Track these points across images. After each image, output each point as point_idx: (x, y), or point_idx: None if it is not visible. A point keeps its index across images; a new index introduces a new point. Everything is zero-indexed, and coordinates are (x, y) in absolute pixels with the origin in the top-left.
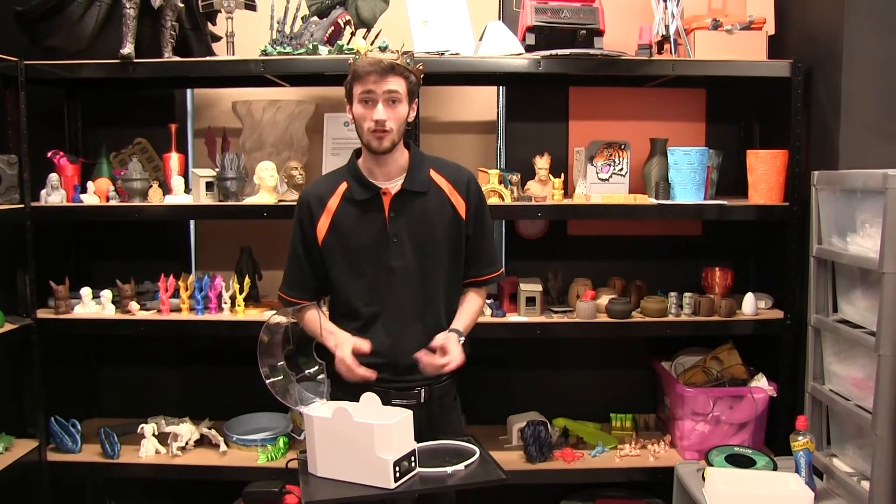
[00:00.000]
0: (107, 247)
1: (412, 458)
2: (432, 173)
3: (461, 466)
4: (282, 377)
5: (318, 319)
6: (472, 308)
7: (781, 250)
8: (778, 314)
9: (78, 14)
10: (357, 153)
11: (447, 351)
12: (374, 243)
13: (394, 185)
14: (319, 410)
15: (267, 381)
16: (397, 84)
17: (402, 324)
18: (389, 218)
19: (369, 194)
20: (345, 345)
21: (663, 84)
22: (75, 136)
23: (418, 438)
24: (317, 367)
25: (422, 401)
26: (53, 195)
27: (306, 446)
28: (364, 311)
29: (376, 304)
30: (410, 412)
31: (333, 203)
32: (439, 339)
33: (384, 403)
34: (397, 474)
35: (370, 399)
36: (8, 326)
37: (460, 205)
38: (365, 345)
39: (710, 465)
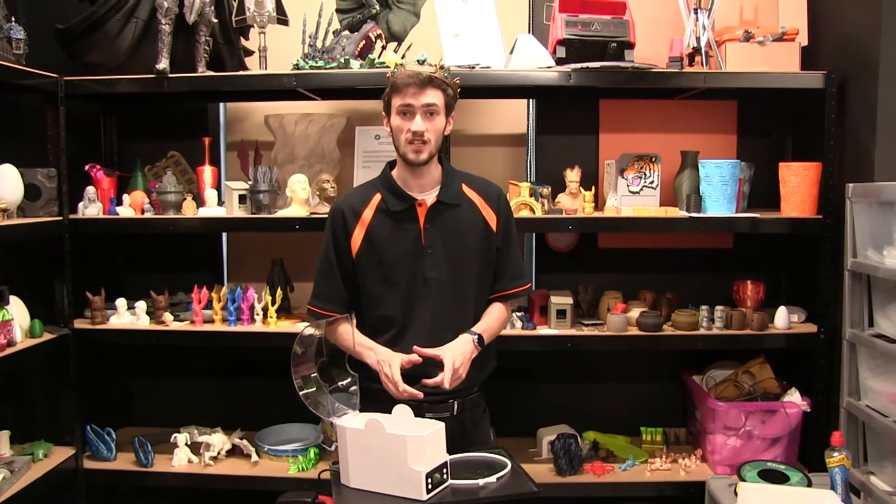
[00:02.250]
0: (142, 258)
1: (444, 470)
2: (464, 187)
3: (493, 479)
4: (315, 388)
5: (350, 333)
6: (496, 316)
7: (814, 263)
8: (811, 328)
9: (115, 30)
10: (391, 165)
11: (448, 365)
12: (409, 254)
13: (429, 197)
14: (352, 422)
15: (300, 393)
16: (435, 97)
17: (434, 335)
18: (424, 229)
19: (404, 205)
20: (392, 363)
21: (694, 96)
22: (111, 150)
23: (450, 450)
24: (349, 379)
25: (454, 413)
26: (90, 208)
27: (339, 457)
28: (397, 322)
29: (410, 314)
30: (443, 424)
31: (368, 214)
32: (442, 350)
33: (417, 416)
34: (429, 486)
35: (403, 411)
36: (46, 336)
37: (491, 218)
38: (414, 356)
39: (743, 480)
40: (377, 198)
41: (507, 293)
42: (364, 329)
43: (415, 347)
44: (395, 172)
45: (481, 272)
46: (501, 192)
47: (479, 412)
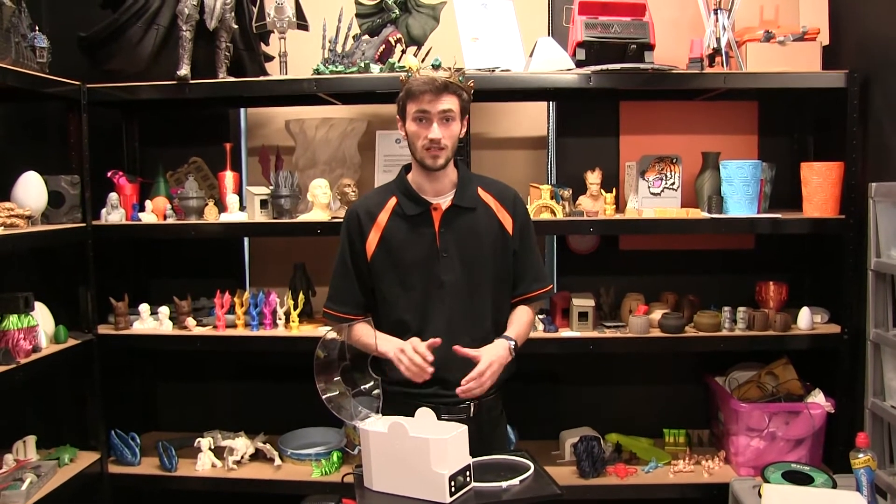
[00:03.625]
0: (164, 264)
1: (467, 473)
2: (479, 190)
3: (516, 481)
4: (337, 392)
5: (371, 335)
6: (525, 319)
7: (837, 264)
8: (835, 328)
9: (137, 37)
10: (406, 168)
11: (481, 365)
12: (425, 258)
13: (444, 201)
14: (375, 425)
15: (323, 397)
16: (451, 103)
17: (449, 339)
18: (439, 233)
19: (420, 209)
20: (416, 344)
21: (715, 97)
22: (133, 156)
23: (469, 452)
24: (372, 383)
25: (471, 415)
26: (113, 214)
27: (362, 460)
28: (413, 326)
29: (425, 318)
30: (465, 427)
31: (383, 218)
32: (481, 352)
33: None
34: (453, 489)
35: (425, 414)
36: (71, 342)
37: (507, 221)
38: (437, 340)
39: (767, 481)
40: (392, 201)
41: (529, 296)
42: (382, 328)
43: (455, 347)
44: (410, 176)
45: (497, 275)
46: (517, 195)
47: (497, 414)
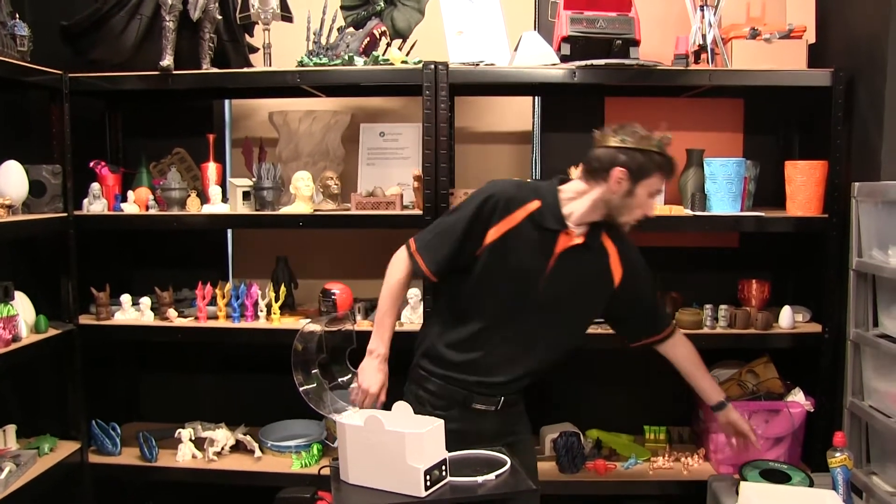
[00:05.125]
0: (148, 255)
1: (443, 467)
2: (604, 236)
3: (492, 476)
4: (315, 385)
5: (393, 322)
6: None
7: (820, 263)
8: (816, 328)
9: (120, 27)
10: (562, 180)
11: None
12: (531, 270)
13: (578, 231)
14: (352, 418)
15: (300, 389)
16: None
17: (512, 352)
18: (557, 255)
19: (555, 227)
20: (382, 381)
21: (700, 94)
22: (116, 147)
23: (493, 438)
24: (350, 376)
25: (498, 407)
26: (95, 204)
27: (339, 453)
28: (480, 325)
29: (499, 324)
30: (442, 422)
31: (518, 216)
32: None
33: (466, 404)
34: (428, 483)
35: (402, 408)
36: (51, 332)
37: (617, 273)
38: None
39: (744, 479)
40: (534, 205)
41: (666, 332)
42: (438, 317)
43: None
44: (564, 195)
45: (582, 318)
46: (636, 251)
47: (520, 407)
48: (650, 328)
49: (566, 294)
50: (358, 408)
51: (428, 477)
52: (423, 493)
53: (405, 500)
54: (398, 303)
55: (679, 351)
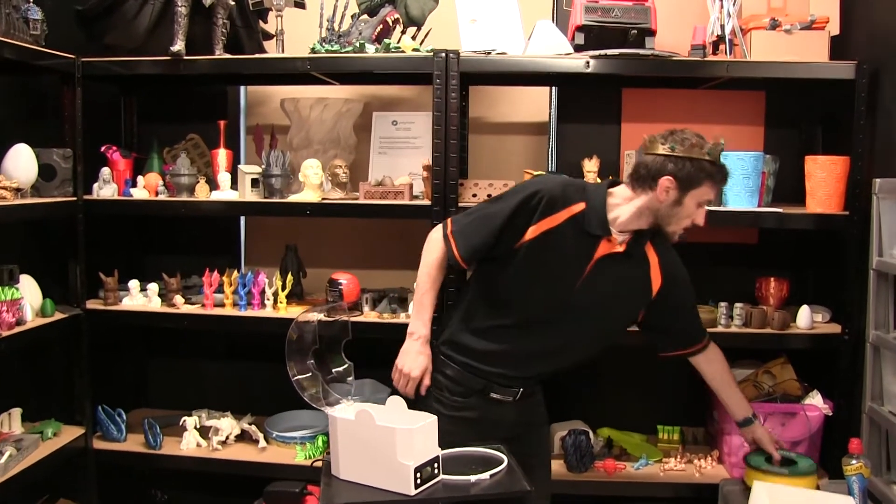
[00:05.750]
0: (159, 241)
1: (435, 465)
2: (648, 245)
3: (486, 475)
4: (310, 375)
5: (432, 305)
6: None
7: (840, 261)
8: (835, 328)
9: (133, 12)
10: (611, 184)
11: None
12: (567, 272)
13: (621, 238)
14: (344, 412)
15: (293, 380)
16: None
17: (537, 350)
18: (596, 261)
19: (598, 233)
20: (425, 364)
21: (720, 86)
22: (131, 132)
23: (510, 427)
24: (345, 367)
25: (516, 398)
26: (105, 189)
27: (330, 447)
28: (507, 320)
29: (526, 322)
30: (435, 417)
31: (561, 215)
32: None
33: (484, 393)
34: (418, 481)
35: (396, 402)
36: (58, 316)
37: (656, 283)
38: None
39: (749, 465)
40: (579, 206)
41: (701, 343)
42: (469, 309)
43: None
44: (612, 200)
45: (614, 325)
46: (679, 262)
47: (538, 398)
48: (684, 340)
49: (599, 300)
50: (401, 393)
51: (418, 474)
52: (413, 492)
53: (394, 498)
54: (437, 282)
55: (712, 367)
